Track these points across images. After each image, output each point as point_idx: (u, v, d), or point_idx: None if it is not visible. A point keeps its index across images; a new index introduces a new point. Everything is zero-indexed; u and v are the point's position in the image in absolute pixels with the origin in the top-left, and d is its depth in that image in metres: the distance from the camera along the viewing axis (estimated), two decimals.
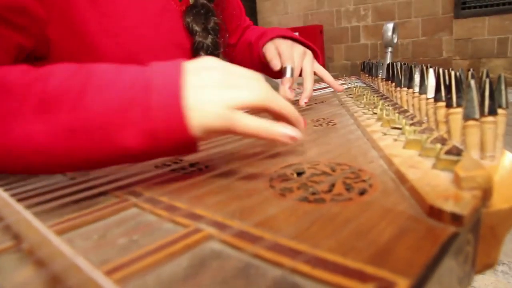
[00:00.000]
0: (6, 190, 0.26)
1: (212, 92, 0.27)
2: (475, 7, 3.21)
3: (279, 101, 0.30)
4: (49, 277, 0.16)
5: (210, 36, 0.61)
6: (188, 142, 0.27)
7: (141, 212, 0.24)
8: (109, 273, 0.16)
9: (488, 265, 0.23)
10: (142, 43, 0.54)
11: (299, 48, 0.60)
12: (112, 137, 0.27)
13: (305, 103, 0.55)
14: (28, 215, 0.18)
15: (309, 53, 0.61)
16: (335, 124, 0.44)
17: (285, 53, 0.59)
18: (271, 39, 0.63)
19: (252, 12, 4.51)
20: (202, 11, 0.61)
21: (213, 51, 0.61)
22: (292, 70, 0.56)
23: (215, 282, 0.16)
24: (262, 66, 0.67)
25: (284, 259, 0.16)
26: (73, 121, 0.27)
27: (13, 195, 0.25)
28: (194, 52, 0.60)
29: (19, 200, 0.23)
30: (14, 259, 0.19)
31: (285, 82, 0.56)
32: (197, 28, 0.59)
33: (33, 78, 0.29)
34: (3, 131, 0.27)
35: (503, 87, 0.31)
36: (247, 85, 0.28)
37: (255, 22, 4.52)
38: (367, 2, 3.83)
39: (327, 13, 4.08)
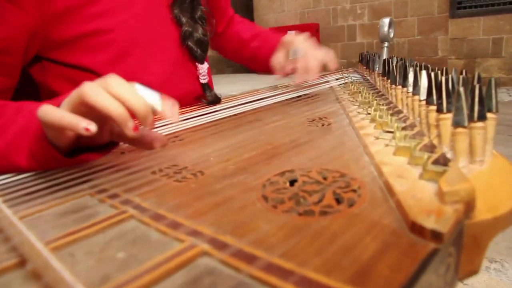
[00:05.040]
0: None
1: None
2: (470, 7, 3.21)
3: (100, 99, 0.31)
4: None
5: (197, 25, 0.62)
6: (55, 154, 0.35)
7: (139, 225, 0.25)
8: None
9: (472, 272, 0.24)
10: (132, 36, 0.55)
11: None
12: (10, 157, 0.37)
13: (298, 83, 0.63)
14: (30, 235, 0.19)
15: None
16: (330, 124, 0.44)
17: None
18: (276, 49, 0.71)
19: (248, 9, 4.46)
20: (187, 0, 0.62)
21: (202, 39, 0.62)
22: (295, 51, 0.64)
23: None
24: (253, 63, 0.77)
25: (273, 279, 0.17)
26: None
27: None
28: (183, 41, 0.61)
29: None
30: (20, 277, 0.20)
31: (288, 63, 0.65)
32: (184, 18, 0.61)
33: None
34: None
35: (493, 91, 0.31)
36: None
37: (251, 19, 4.48)
38: (364, 0, 3.82)
39: (324, 11, 4.06)
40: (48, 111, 0.31)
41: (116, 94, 0.31)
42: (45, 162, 0.36)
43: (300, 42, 0.67)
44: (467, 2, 3.20)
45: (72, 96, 0.32)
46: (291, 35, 0.70)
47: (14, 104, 0.41)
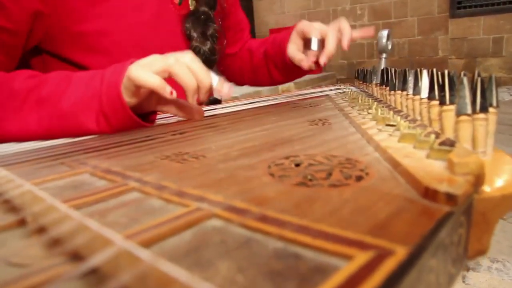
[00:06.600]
0: None
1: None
2: (470, 7, 3.28)
3: (183, 74, 0.40)
4: (50, 241, 0.16)
5: (208, 42, 0.62)
6: (133, 119, 0.41)
7: (141, 195, 0.24)
8: None
9: (480, 251, 0.23)
10: (137, 43, 0.55)
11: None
12: (78, 121, 0.41)
13: (325, 63, 0.57)
14: (31, 187, 0.18)
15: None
16: (330, 124, 0.44)
17: (305, 29, 0.61)
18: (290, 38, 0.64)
19: (248, 11, 4.52)
20: (202, 17, 0.62)
21: (209, 57, 0.62)
22: (318, 41, 0.57)
23: (218, 254, 0.16)
24: (265, 67, 0.71)
25: (285, 232, 0.17)
26: (54, 112, 0.41)
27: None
28: None
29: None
30: (18, 234, 0.19)
31: (310, 55, 0.58)
32: (195, 34, 0.60)
33: (32, 86, 0.42)
34: (9, 121, 0.41)
35: (494, 87, 0.32)
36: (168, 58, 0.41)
37: (251, 21, 4.58)
38: (364, 1, 3.89)
39: (324, 12, 4.14)
40: (138, 74, 0.39)
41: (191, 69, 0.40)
42: (117, 123, 0.41)
43: (315, 29, 0.60)
44: (467, 2, 3.27)
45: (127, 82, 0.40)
46: (303, 22, 0.62)
47: (53, 73, 0.44)
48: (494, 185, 0.24)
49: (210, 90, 0.42)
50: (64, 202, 0.23)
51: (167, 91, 0.39)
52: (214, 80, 0.42)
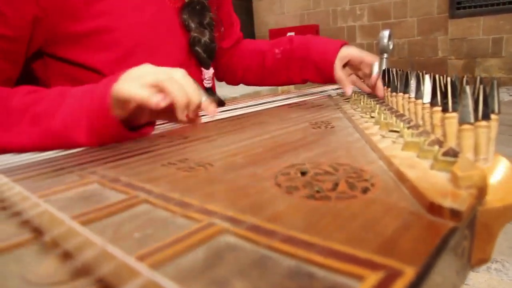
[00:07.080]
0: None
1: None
2: (470, 7, 3.28)
3: (173, 88, 0.38)
4: (77, 268, 0.17)
5: (206, 31, 0.63)
6: (123, 132, 0.42)
7: (152, 208, 0.25)
8: None
9: (483, 260, 0.24)
10: (138, 38, 0.55)
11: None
12: (69, 137, 0.41)
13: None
14: (51, 208, 0.19)
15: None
16: (333, 127, 0.45)
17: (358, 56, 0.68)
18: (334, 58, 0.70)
19: (248, 12, 4.51)
20: (197, 7, 0.62)
21: (209, 45, 0.63)
22: (375, 67, 0.64)
23: (232, 272, 0.17)
24: (283, 69, 0.74)
25: (298, 250, 0.17)
26: (48, 127, 0.42)
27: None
28: (191, 46, 0.62)
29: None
30: (35, 251, 0.20)
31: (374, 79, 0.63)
32: (192, 24, 0.61)
33: (29, 103, 0.43)
34: (7, 136, 0.42)
35: (495, 93, 0.32)
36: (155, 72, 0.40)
37: (251, 22, 4.56)
38: (363, 1, 3.88)
39: (323, 12, 4.13)
40: (123, 88, 0.38)
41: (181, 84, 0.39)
42: (107, 137, 0.41)
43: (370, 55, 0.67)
44: (466, 2, 3.27)
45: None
46: (350, 48, 0.69)
47: (51, 89, 0.45)
48: (496, 194, 0.25)
49: (200, 107, 0.41)
50: (75, 217, 0.23)
51: (153, 101, 0.37)
52: (203, 98, 0.42)
